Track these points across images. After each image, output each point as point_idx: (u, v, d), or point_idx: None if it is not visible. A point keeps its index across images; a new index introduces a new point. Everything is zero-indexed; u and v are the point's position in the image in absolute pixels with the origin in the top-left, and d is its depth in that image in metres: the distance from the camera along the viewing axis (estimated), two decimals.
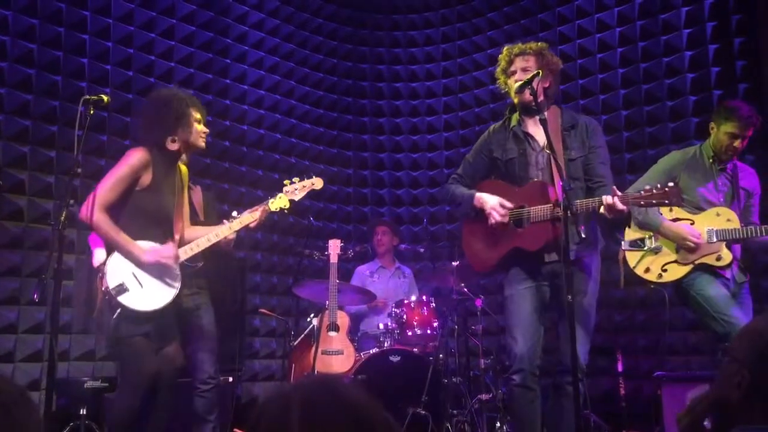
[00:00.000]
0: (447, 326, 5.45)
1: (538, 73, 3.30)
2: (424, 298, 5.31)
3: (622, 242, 4.11)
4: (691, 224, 3.94)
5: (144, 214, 3.40)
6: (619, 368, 5.27)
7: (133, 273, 3.33)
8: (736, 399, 1.41)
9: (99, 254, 3.33)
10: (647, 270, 4.01)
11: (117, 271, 3.30)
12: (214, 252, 4.33)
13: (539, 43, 3.58)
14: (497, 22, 6.92)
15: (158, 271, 3.39)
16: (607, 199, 3.11)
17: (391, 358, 4.92)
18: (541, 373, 3.42)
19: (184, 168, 3.74)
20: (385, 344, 5.20)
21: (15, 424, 1.11)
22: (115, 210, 3.34)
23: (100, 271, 3.28)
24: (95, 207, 3.22)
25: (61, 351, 4.76)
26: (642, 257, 4.04)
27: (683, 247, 3.91)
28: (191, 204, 4.38)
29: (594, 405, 4.85)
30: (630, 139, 5.93)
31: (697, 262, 3.89)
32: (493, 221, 3.41)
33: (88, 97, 3.29)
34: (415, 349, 5.08)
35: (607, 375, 5.57)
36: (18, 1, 4.96)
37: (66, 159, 5.01)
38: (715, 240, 3.85)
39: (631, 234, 4.13)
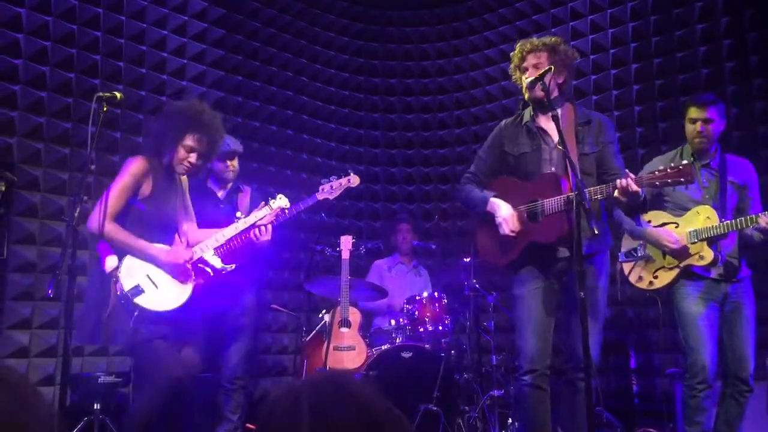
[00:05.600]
0: (459, 323, 5.45)
1: (550, 69, 3.28)
2: (435, 294, 5.30)
3: (619, 254, 4.15)
4: (676, 227, 3.92)
5: (148, 223, 3.45)
6: (632, 365, 5.26)
7: (148, 275, 3.37)
8: None
9: (110, 261, 3.35)
10: (640, 278, 4.04)
11: (131, 273, 3.33)
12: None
13: (553, 38, 3.54)
14: (508, 17, 6.89)
15: (172, 271, 3.44)
16: (621, 182, 3.10)
17: (402, 354, 4.92)
18: (552, 373, 3.42)
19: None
20: (397, 340, 5.20)
21: (30, 418, 1.12)
22: (120, 219, 3.39)
23: (113, 276, 3.30)
24: (104, 218, 3.25)
25: (75, 346, 4.79)
26: (634, 266, 4.07)
27: (667, 253, 3.90)
28: (236, 206, 4.45)
29: (607, 402, 4.85)
30: (643, 134, 5.90)
31: (682, 265, 3.87)
32: (502, 232, 3.43)
33: (101, 94, 3.31)
34: (427, 346, 5.08)
35: (619, 372, 5.55)
36: None
37: (79, 156, 5.05)
38: (696, 240, 3.82)
39: (625, 245, 4.15)
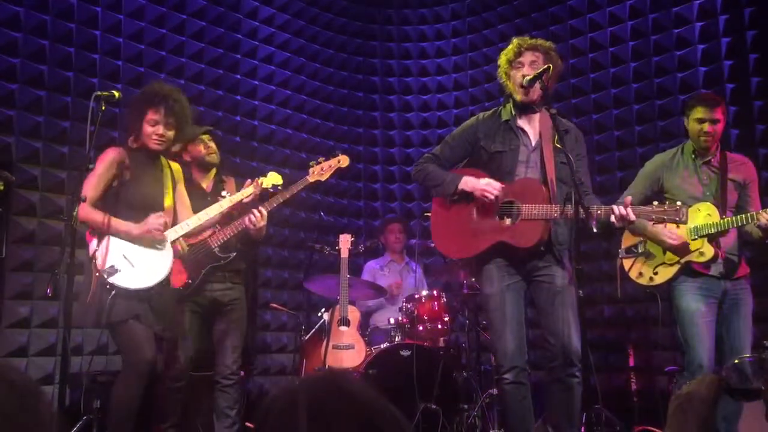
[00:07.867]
0: (458, 321, 5.45)
1: (548, 67, 3.28)
2: (434, 292, 5.30)
3: (619, 250, 4.14)
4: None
5: (131, 205, 3.50)
6: (631, 363, 5.25)
7: (124, 255, 3.42)
8: None
9: (92, 244, 3.42)
10: (640, 274, 4.02)
11: (108, 253, 3.37)
12: (246, 243, 4.34)
13: (548, 42, 3.55)
14: (508, 16, 6.89)
15: (149, 250, 3.47)
16: (621, 209, 3.15)
17: (401, 352, 4.91)
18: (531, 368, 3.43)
19: (175, 165, 3.80)
20: (396, 339, 5.19)
21: (30, 416, 1.12)
22: (103, 204, 3.45)
23: (93, 257, 3.34)
24: (81, 204, 3.27)
25: (73, 345, 4.77)
26: (634, 262, 4.05)
27: (667, 248, 3.89)
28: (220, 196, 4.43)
29: (605, 400, 4.84)
30: (641, 133, 5.89)
31: (683, 261, 3.85)
32: (490, 198, 3.36)
33: (99, 93, 3.32)
34: (426, 344, 5.08)
35: (618, 370, 5.55)
36: None
37: (78, 155, 5.04)
38: (696, 237, 3.80)
39: (626, 241, 4.14)
